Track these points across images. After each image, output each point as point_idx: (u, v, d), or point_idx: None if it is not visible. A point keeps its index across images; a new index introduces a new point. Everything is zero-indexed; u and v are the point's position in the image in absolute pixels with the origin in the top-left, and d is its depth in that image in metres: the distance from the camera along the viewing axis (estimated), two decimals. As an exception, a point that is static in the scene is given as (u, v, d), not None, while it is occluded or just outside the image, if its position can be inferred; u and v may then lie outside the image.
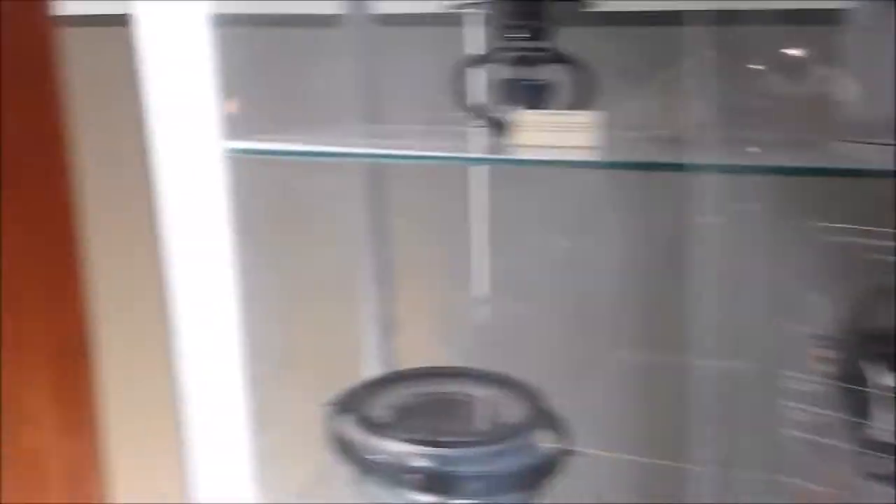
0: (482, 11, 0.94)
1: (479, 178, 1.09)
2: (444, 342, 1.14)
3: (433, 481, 0.81)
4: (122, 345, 1.34)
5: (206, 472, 0.81)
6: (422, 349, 1.15)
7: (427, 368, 1.00)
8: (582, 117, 0.79)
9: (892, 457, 0.78)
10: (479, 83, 0.92)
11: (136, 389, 1.36)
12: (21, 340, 1.50)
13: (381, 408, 0.92)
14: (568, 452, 0.86)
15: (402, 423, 0.88)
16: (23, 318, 1.49)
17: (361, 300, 1.12)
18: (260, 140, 0.81)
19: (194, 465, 0.82)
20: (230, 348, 0.78)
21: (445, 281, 1.16)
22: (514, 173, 1.05)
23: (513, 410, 0.90)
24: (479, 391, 0.96)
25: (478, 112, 0.90)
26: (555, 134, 0.79)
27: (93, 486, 1.49)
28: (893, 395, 0.78)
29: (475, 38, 1.00)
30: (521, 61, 0.88)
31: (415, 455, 0.81)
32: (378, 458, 0.83)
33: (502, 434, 0.85)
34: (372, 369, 1.12)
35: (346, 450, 0.87)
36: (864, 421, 0.79)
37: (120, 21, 0.79)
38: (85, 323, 1.42)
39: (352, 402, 0.93)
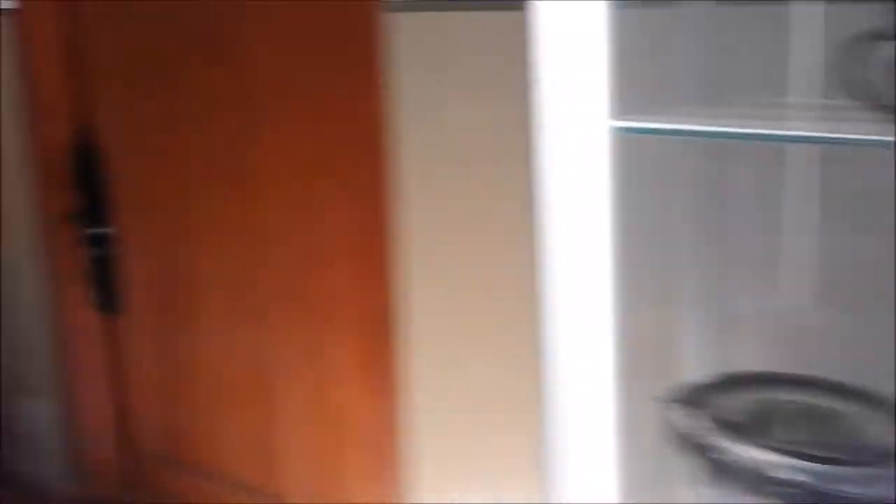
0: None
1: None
2: (777, 345, 1.06)
3: (803, 497, 0.75)
4: (488, 321, 1.32)
5: (564, 462, 0.81)
6: (750, 350, 1.08)
7: (770, 373, 0.94)
8: None
9: None
10: (870, 62, 0.83)
11: (502, 374, 1.34)
12: (331, 306, 1.59)
13: (729, 410, 0.87)
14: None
15: (759, 429, 0.83)
16: (334, 284, 1.58)
17: (696, 295, 1.07)
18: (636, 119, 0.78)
19: (553, 455, 0.81)
20: (599, 338, 0.77)
21: (777, 279, 1.08)
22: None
23: (884, 429, 0.82)
24: (836, 403, 0.88)
25: (877, 94, 0.81)
26: None
27: (390, 448, 1.56)
28: None
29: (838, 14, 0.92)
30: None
31: (785, 466, 0.76)
32: (736, 462, 0.79)
33: (881, 455, 0.77)
34: (698, 369, 1.07)
35: (695, 449, 0.83)
36: None
37: (516, 6, 0.80)
38: (391, 291, 1.48)
39: (694, 401, 0.89)
